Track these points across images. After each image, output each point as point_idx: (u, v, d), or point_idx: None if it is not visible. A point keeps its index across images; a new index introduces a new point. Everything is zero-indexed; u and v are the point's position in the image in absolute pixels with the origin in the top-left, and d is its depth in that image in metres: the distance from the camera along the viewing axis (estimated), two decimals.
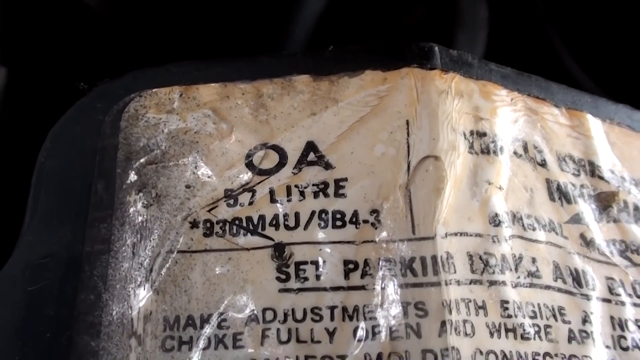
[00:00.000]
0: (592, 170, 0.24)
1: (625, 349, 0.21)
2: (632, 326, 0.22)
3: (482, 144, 0.22)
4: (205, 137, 0.22)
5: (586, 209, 0.23)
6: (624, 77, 0.41)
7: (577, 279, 0.22)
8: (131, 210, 0.21)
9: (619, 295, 0.22)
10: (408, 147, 0.21)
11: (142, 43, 0.43)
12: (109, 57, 0.41)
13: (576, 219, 0.23)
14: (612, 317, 0.21)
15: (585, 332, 0.21)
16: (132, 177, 0.21)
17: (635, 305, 0.22)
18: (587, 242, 0.22)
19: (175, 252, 0.20)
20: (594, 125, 0.25)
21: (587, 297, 0.21)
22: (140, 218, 0.21)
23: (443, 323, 0.19)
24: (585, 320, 0.21)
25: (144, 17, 0.44)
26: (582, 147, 0.24)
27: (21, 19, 0.40)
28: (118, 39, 0.42)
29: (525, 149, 0.23)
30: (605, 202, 0.23)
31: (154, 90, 0.23)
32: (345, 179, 0.21)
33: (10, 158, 0.35)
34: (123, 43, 0.42)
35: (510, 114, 0.23)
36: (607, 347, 0.21)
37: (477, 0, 0.52)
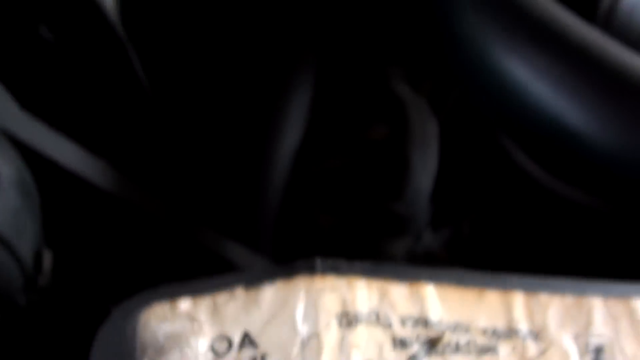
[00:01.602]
0: (425, 323, 0.38)
1: None
2: None
3: (347, 320, 0.37)
4: (187, 332, 0.37)
5: (419, 350, 0.37)
6: (589, 177, 0.45)
7: None
8: None
9: None
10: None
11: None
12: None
13: (412, 358, 0.37)
14: None
15: None
16: None
17: None
18: None
19: None
20: (429, 290, 0.39)
21: None
22: None
23: None
24: None
25: None
26: (418, 308, 0.38)
27: (62, 205, 0.54)
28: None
29: (378, 317, 0.38)
30: (433, 343, 0.38)
31: (153, 305, 0.38)
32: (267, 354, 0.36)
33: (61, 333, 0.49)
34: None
35: (366, 294, 0.38)
36: None
37: (425, 118, 0.64)
